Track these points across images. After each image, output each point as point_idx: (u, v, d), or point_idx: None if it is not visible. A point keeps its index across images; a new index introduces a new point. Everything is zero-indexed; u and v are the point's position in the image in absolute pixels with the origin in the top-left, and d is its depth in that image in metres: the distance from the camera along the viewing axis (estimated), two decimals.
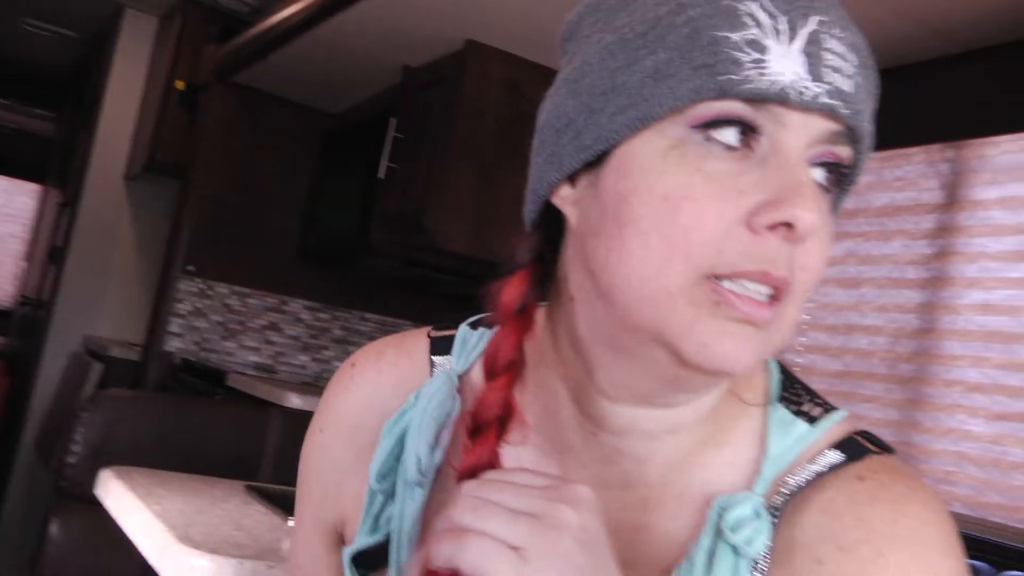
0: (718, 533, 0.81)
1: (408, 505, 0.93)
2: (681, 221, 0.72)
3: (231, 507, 1.83)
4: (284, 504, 1.85)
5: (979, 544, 2.41)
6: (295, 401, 3.62)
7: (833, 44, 0.73)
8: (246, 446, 2.81)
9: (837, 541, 0.78)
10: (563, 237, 0.85)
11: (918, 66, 3.00)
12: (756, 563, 0.79)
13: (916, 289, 3.01)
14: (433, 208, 3.44)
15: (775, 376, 0.89)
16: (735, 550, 0.80)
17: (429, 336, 1.01)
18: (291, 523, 1.75)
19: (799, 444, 0.84)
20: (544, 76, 4.08)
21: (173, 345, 4.67)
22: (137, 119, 5.62)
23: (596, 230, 0.79)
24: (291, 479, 2.86)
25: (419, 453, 0.92)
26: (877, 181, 3.16)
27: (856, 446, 0.83)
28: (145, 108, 5.53)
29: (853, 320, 3.16)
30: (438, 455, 0.92)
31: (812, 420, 0.85)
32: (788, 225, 0.71)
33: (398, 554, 0.92)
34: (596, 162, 0.79)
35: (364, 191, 3.98)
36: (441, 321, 1.02)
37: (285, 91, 4.66)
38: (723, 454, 0.86)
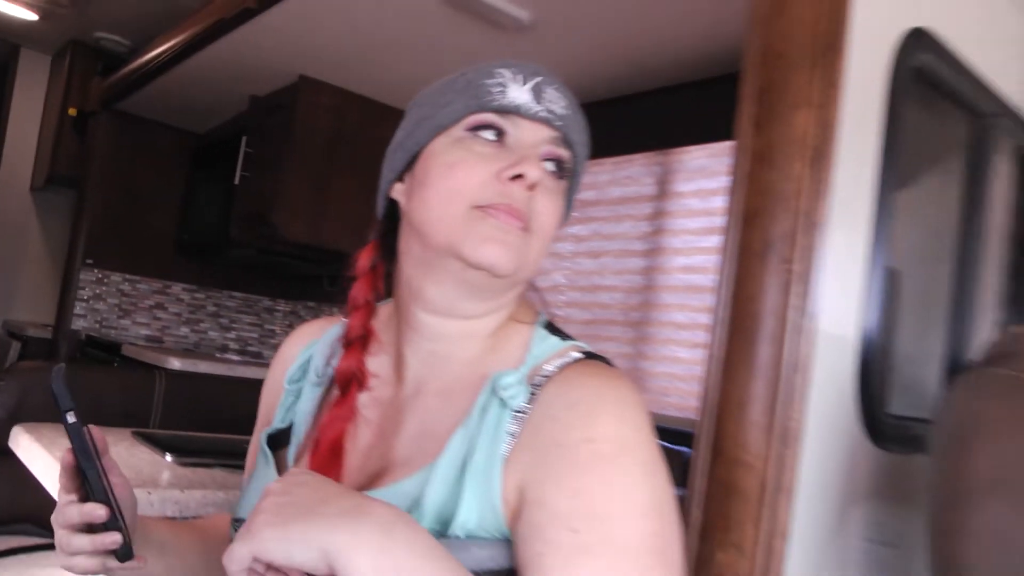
0: (492, 393, 0.89)
1: (307, 401, 1.04)
2: (458, 175, 0.89)
3: (120, 449, 1.80)
4: (164, 445, 1.84)
5: (684, 436, 2.56)
6: (177, 364, 3.58)
7: (550, 91, 0.93)
8: (138, 402, 2.75)
9: (565, 401, 0.84)
10: (398, 219, 0.98)
11: (638, 95, 3.08)
12: (515, 415, 0.86)
13: (640, 257, 3.08)
14: (277, 208, 3.43)
15: (542, 316, 1.00)
16: (502, 402, 0.87)
17: None
18: (169, 458, 1.75)
19: (553, 348, 0.92)
20: (361, 103, 4.05)
21: (78, 324, 4.53)
22: (38, 140, 5.37)
23: (413, 195, 0.94)
24: (173, 427, 2.83)
25: (318, 365, 1.06)
26: (611, 179, 3.22)
27: (590, 354, 0.92)
28: (44, 131, 5.27)
29: (597, 282, 3.22)
30: (330, 368, 1.03)
31: (563, 338, 0.95)
32: (522, 176, 0.87)
33: (297, 435, 1.02)
34: (412, 163, 0.95)
35: (225, 195, 3.93)
36: (289, 294, 1.18)
37: (159, 115, 4.53)
38: (502, 355, 0.94)
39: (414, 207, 0.94)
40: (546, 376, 0.88)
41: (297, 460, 0.99)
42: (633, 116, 3.15)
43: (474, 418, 0.89)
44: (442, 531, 0.83)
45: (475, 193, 0.88)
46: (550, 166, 0.92)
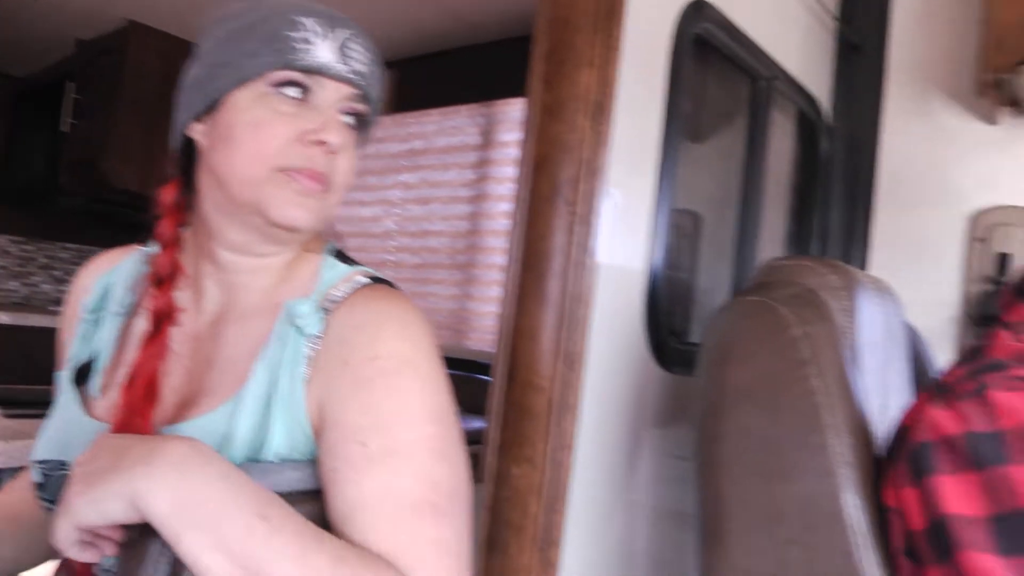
0: (287, 321, 0.92)
1: (109, 330, 1.04)
2: (262, 136, 0.90)
3: None
4: None
5: None
6: (5, 319, 3.42)
7: (355, 47, 0.94)
8: None
9: (352, 324, 0.89)
10: (196, 156, 0.98)
11: (463, 49, 3.13)
12: (310, 341, 0.90)
13: (466, 203, 3.15)
14: (107, 155, 3.32)
15: (330, 246, 1.03)
16: (298, 330, 0.91)
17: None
18: None
19: (341, 275, 0.96)
20: (192, 49, 3.92)
21: None
22: None
23: (216, 147, 0.92)
24: (4, 382, 2.72)
25: (121, 295, 1.05)
26: (438, 129, 3.26)
27: (376, 279, 0.96)
28: None
29: (426, 227, 3.27)
30: (132, 297, 1.04)
31: (351, 264, 0.99)
32: (324, 143, 0.90)
33: (100, 365, 1.02)
34: (214, 107, 0.94)
35: (51, 143, 3.75)
36: (124, 243, 1.15)
37: None
38: (294, 283, 0.97)
39: (218, 160, 0.93)
40: (335, 301, 0.93)
41: (104, 391, 1.00)
42: (458, 69, 3.22)
43: (273, 347, 0.92)
44: (255, 457, 0.87)
45: (279, 155, 0.90)
46: (349, 119, 0.95)
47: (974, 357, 0.96)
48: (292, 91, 0.92)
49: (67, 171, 3.61)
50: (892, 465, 0.92)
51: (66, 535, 0.75)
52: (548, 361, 1.08)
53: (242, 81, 0.92)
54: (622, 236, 1.28)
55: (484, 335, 3.02)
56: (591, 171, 1.10)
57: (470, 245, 3.14)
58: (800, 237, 2.02)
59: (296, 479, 0.86)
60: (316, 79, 0.92)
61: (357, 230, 3.48)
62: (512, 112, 3.06)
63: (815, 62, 1.92)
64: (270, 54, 0.91)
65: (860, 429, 0.97)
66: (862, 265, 2.03)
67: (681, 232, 1.77)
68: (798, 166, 2.02)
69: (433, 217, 3.26)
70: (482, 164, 3.14)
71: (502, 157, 3.08)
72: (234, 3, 1.01)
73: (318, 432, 0.88)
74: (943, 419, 0.87)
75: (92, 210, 4.10)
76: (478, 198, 3.14)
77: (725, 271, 1.77)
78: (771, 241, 1.94)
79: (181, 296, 1.00)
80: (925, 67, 1.95)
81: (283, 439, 0.87)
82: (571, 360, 1.09)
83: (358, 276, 0.96)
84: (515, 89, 2.99)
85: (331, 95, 0.93)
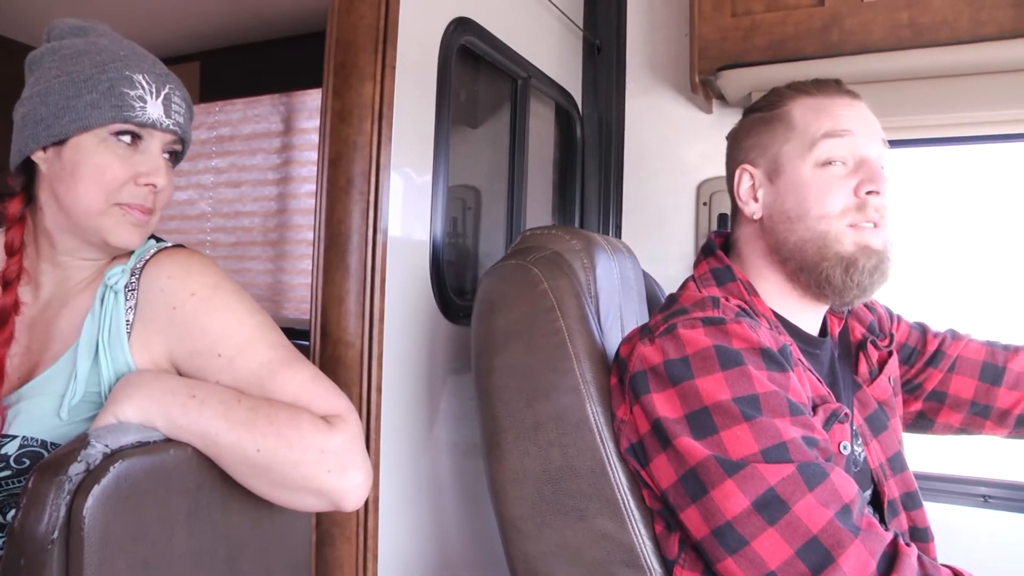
0: (106, 286, 1.07)
1: None
2: (104, 178, 1.05)
3: None
4: None
5: None
6: None
7: (176, 100, 1.10)
8: None
9: (163, 275, 1.07)
10: (36, 174, 1.09)
11: (266, 43, 3.16)
12: (127, 295, 1.06)
13: (273, 185, 3.20)
14: None
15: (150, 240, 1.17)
16: (112, 289, 1.07)
17: None
18: None
19: (149, 247, 1.12)
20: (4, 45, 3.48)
21: None
22: None
23: (61, 178, 1.06)
24: None
25: None
26: (243, 117, 3.28)
27: (177, 245, 1.13)
28: None
29: (239, 208, 3.29)
30: None
31: (157, 240, 1.15)
32: (154, 185, 1.07)
33: None
34: (59, 143, 1.05)
35: None
36: None
37: None
38: (115, 262, 1.12)
39: (62, 191, 1.06)
40: (141, 266, 1.08)
41: None
42: (260, 62, 3.21)
43: (96, 307, 1.06)
44: (93, 391, 1.02)
45: (117, 193, 1.05)
46: (166, 156, 1.11)
47: (669, 305, 1.17)
48: (127, 138, 1.06)
49: None
50: (621, 387, 1.11)
51: None
52: (355, 321, 1.24)
53: (87, 127, 1.04)
54: (408, 214, 1.44)
55: (299, 304, 3.10)
56: (378, 166, 1.26)
57: (280, 223, 3.20)
58: (564, 206, 2.22)
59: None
60: (147, 130, 1.07)
61: (174, 213, 3.45)
62: (310, 101, 3.13)
63: (567, 63, 2.13)
64: (110, 109, 1.04)
65: (597, 356, 1.15)
66: (617, 228, 2.25)
67: (464, 205, 1.94)
68: (559, 148, 2.21)
69: (244, 199, 3.28)
70: (286, 149, 3.20)
71: (303, 142, 3.17)
72: (60, 25, 1.10)
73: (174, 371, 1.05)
74: (648, 353, 1.06)
75: None
76: (284, 180, 3.20)
77: (500, 237, 1.97)
78: (540, 210, 2.15)
79: (22, 291, 1.10)
80: (655, 67, 2.19)
81: (112, 376, 1.02)
82: (373, 319, 1.25)
83: (160, 243, 1.13)
84: (313, 80, 3.07)
85: (158, 143, 1.09)
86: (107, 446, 0.90)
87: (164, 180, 1.08)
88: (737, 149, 1.26)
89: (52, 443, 1.00)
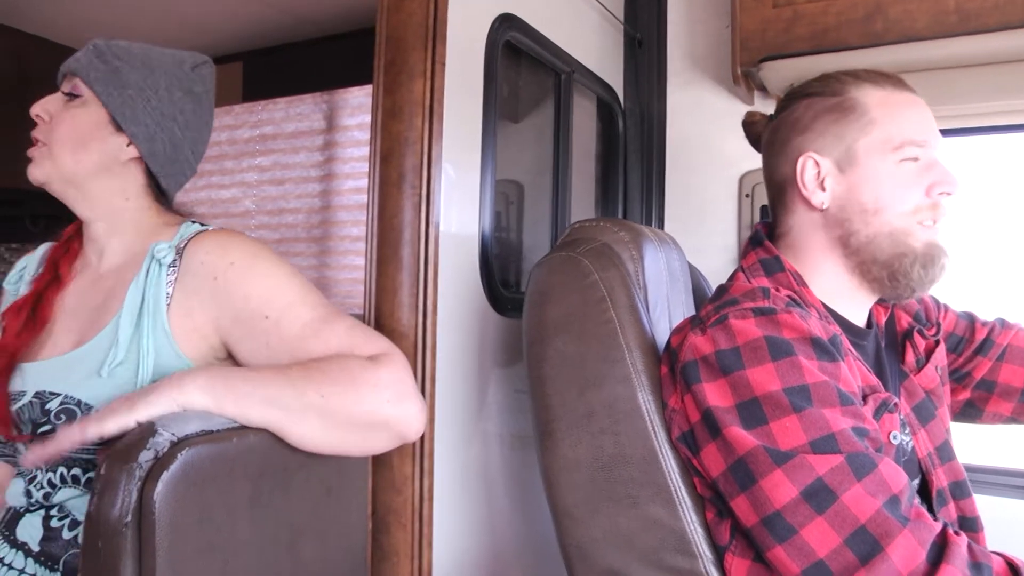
0: (152, 257, 1.13)
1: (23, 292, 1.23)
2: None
3: None
4: None
5: None
6: None
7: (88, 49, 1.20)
8: None
9: (204, 251, 1.12)
10: None
11: (307, 43, 3.20)
12: (170, 270, 1.11)
13: (317, 182, 3.23)
14: None
15: (189, 219, 1.23)
16: (159, 263, 1.12)
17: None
18: None
19: (193, 229, 1.18)
20: (42, 46, 3.64)
21: None
22: None
23: None
24: None
25: (34, 270, 1.25)
26: (286, 116, 3.31)
27: (203, 227, 1.19)
28: None
29: (282, 205, 3.33)
30: (40, 269, 1.24)
31: (203, 224, 1.20)
32: (39, 116, 1.16)
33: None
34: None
35: None
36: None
37: None
38: (160, 238, 1.18)
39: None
40: (185, 243, 1.14)
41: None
42: (301, 61, 3.25)
43: (140, 277, 1.12)
44: (134, 355, 1.08)
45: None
46: (65, 97, 1.18)
47: (719, 295, 1.17)
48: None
49: None
50: (672, 377, 1.12)
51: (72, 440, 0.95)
52: (408, 312, 1.26)
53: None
54: (458, 208, 1.46)
55: (344, 300, 3.13)
56: (430, 160, 1.28)
57: (324, 220, 3.22)
58: (607, 200, 2.23)
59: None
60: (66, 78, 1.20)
61: (219, 211, 3.50)
62: (352, 99, 3.16)
63: (609, 57, 2.14)
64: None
65: (647, 346, 1.16)
66: (660, 221, 2.25)
67: (508, 200, 1.96)
68: (601, 142, 2.22)
69: (288, 196, 3.32)
70: (328, 146, 3.22)
71: (346, 140, 3.18)
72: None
73: (196, 343, 1.11)
74: (700, 343, 1.07)
75: None
76: (328, 177, 3.22)
77: (545, 230, 1.98)
78: (583, 203, 2.16)
79: (82, 263, 1.22)
80: (696, 59, 2.19)
81: (151, 343, 1.07)
82: (426, 311, 1.28)
83: (204, 227, 1.18)
84: (354, 78, 3.11)
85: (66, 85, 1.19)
86: (174, 434, 0.93)
87: (36, 108, 1.16)
88: (797, 136, 1.21)
89: (86, 404, 1.07)
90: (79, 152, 1.14)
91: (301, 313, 1.09)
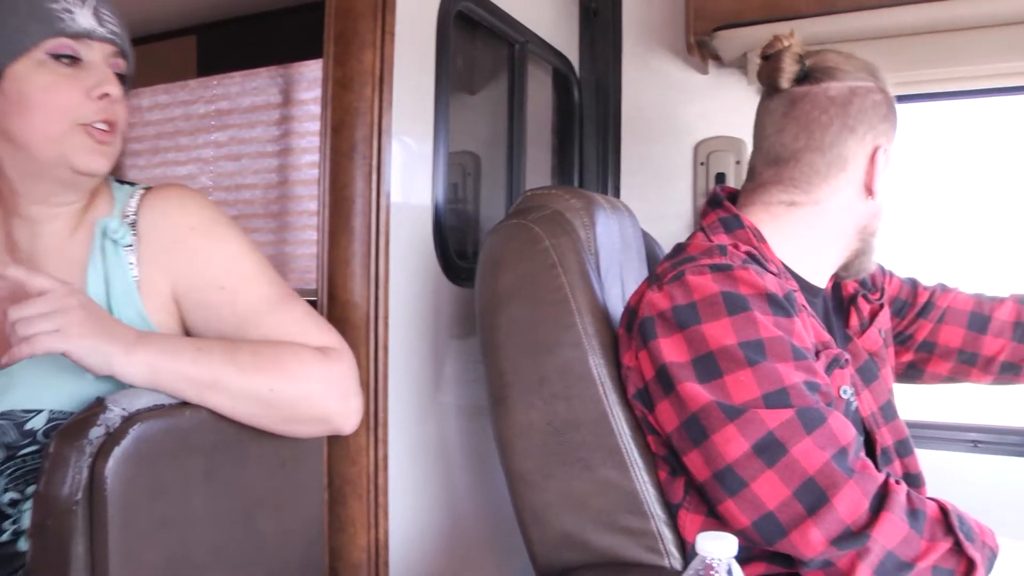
0: (103, 235, 1.06)
1: None
2: (58, 98, 0.99)
3: None
4: None
5: None
6: None
7: (104, 11, 1.04)
8: None
9: (158, 216, 1.08)
10: None
11: (261, 15, 3.09)
12: (127, 251, 1.05)
13: (274, 157, 3.21)
14: None
15: (110, 178, 1.13)
16: (114, 243, 1.06)
17: None
18: None
19: (128, 192, 1.11)
20: None
21: None
22: None
23: (9, 112, 0.99)
24: None
25: None
26: (242, 91, 3.27)
27: (137, 186, 1.13)
28: None
29: (240, 181, 3.30)
30: None
31: (131, 184, 1.14)
32: (107, 95, 1.01)
33: None
34: None
35: None
36: None
37: None
38: (97, 207, 1.09)
39: (15, 126, 1.00)
40: (134, 211, 1.08)
41: None
42: (256, 34, 3.19)
43: (96, 258, 1.05)
44: None
45: (76, 112, 1.00)
46: (116, 73, 1.06)
47: (677, 253, 1.19)
48: (65, 60, 1.00)
49: None
50: (628, 335, 1.14)
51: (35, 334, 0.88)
52: (360, 283, 1.26)
53: (18, 54, 0.98)
54: (411, 178, 1.45)
55: (302, 275, 3.13)
56: (380, 130, 1.28)
57: (281, 195, 3.21)
58: (563, 170, 2.23)
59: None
60: (84, 42, 1.01)
61: None
62: (308, 72, 3.13)
63: (564, 27, 2.13)
64: (37, 25, 0.98)
65: (598, 311, 1.18)
66: (616, 190, 2.26)
67: (465, 171, 1.96)
68: (557, 112, 2.21)
69: (245, 172, 3.29)
70: (285, 120, 3.19)
71: (302, 114, 3.16)
72: None
73: (172, 315, 1.07)
74: (657, 299, 1.09)
75: None
76: (284, 152, 3.21)
77: (501, 201, 1.98)
78: (540, 174, 2.15)
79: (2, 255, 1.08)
80: (651, 29, 2.18)
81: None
82: (378, 281, 1.28)
83: (141, 188, 1.12)
84: (309, 52, 3.05)
85: (98, 54, 1.02)
86: (124, 409, 0.93)
87: (117, 90, 1.02)
88: (865, 127, 1.19)
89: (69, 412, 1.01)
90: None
91: (260, 286, 1.07)
